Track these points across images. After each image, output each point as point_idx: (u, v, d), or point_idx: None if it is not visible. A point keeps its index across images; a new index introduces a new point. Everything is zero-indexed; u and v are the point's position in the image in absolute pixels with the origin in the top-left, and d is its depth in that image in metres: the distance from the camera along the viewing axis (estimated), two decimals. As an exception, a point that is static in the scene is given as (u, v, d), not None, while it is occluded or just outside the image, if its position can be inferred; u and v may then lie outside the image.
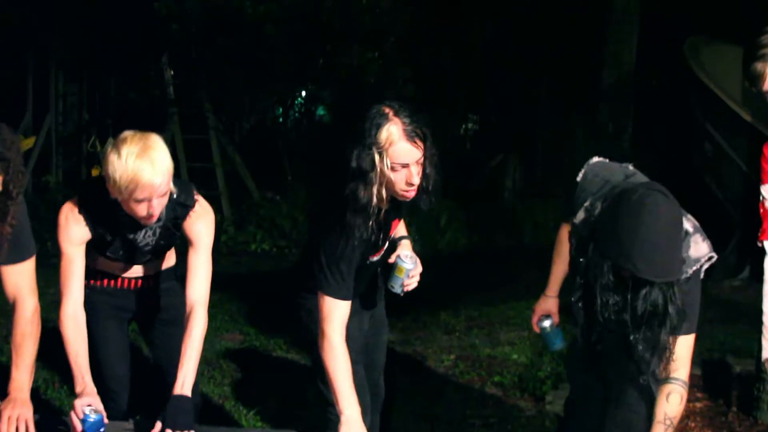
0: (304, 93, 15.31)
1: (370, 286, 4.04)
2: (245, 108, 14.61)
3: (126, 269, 4.08)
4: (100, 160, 16.33)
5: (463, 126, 17.37)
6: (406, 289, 3.85)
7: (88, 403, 3.42)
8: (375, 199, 3.49)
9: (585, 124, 13.04)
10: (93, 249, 3.84)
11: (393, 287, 3.86)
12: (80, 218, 3.69)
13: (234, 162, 13.76)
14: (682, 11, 13.77)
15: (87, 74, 16.47)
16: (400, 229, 4.02)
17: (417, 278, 3.84)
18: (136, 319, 4.27)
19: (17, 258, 3.57)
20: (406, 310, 7.86)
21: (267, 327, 7.73)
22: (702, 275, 3.49)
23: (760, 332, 4.19)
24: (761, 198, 3.98)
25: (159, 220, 3.70)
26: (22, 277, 3.58)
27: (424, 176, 3.50)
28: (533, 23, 15.10)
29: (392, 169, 3.41)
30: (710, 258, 3.46)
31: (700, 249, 3.46)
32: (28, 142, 15.97)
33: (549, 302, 4.19)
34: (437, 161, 3.54)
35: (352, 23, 12.13)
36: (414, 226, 11.95)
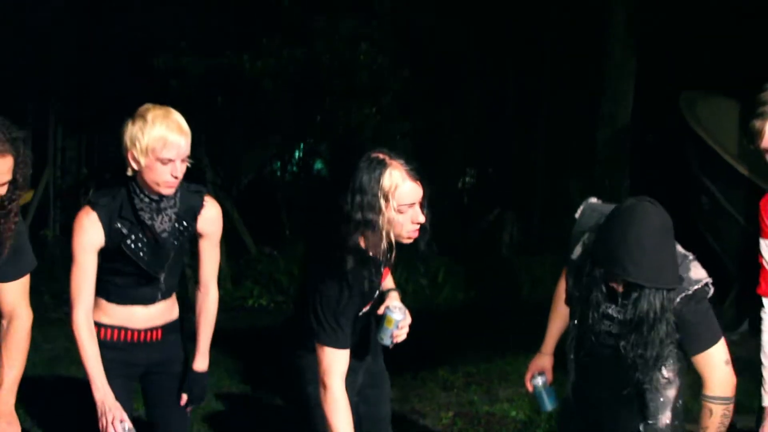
0: (302, 146, 15.36)
1: (362, 340, 4.01)
2: (243, 163, 14.66)
3: (140, 298, 4.04)
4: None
5: (461, 180, 17.42)
6: (395, 341, 3.83)
7: (121, 419, 3.65)
8: (383, 246, 3.55)
9: (581, 179, 13.07)
10: (108, 271, 3.91)
11: (382, 339, 3.84)
12: (94, 217, 3.80)
13: (231, 217, 13.77)
14: (678, 66, 13.86)
15: (86, 128, 16.53)
16: (388, 280, 4.03)
17: (406, 329, 3.83)
18: (141, 374, 4.23)
19: (18, 273, 3.64)
20: (404, 366, 7.81)
21: (265, 384, 7.69)
22: (709, 297, 3.59)
23: (760, 384, 4.16)
24: (760, 251, 3.98)
25: (174, 205, 3.85)
26: (21, 290, 3.68)
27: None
28: (530, 79, 15.18)
29: (399, 211, 3.47)
30: (711, 283, 3.57)
31: (699, 272, 3.57)
32: (27, 196, 15.95)
33: (544, 359, 4.20)
34: (427, 201, 3.59)
35: (350, 79, 12.19)
36: (412, 281, 11.94)
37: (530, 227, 15.05)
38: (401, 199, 3.46)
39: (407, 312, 3.85)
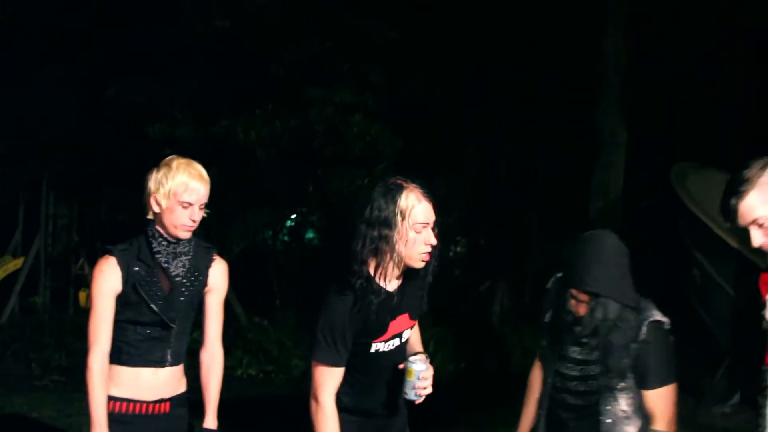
0: (294, 216, 15.36)
1: (382, 399, 4.00)
2: (235, 231, 14.66)
3: (150, 358, 4.10)
4: (88, 283, 16.31)
5: (452, 250, 17.41)
6: (419, 394, 3.80)
7: None
8: (395, 273, 3.78)
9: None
10: (123, 322, 4.03)
11: (406, 394, 3.83)
12: (113, 262, 4.02)
13: (223, 285, 13.71)
14: (670, 137, 13.96)
15: (79, 196, 16.54)
16: (414, 339, 4.08)
17: (430, 381, 3.82)
18: None
19: None
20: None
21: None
22: (667, 333, 3.86)
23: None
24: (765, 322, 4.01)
25: (188, 252, 4.15)
26: None
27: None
28: (523, 149, 15.25)
29: (414, 230, 3.69)
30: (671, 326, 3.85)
31: (658, 313, 3.86)
32: (17, 263, 15.95)
33: None
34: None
35: (344, 149, 12.23)
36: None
37: (522, 297, 15.02)
38: (416, 218, 3.69)
39: (430, 365, 3.86)
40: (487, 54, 14.61)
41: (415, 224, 3.69)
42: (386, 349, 3.91)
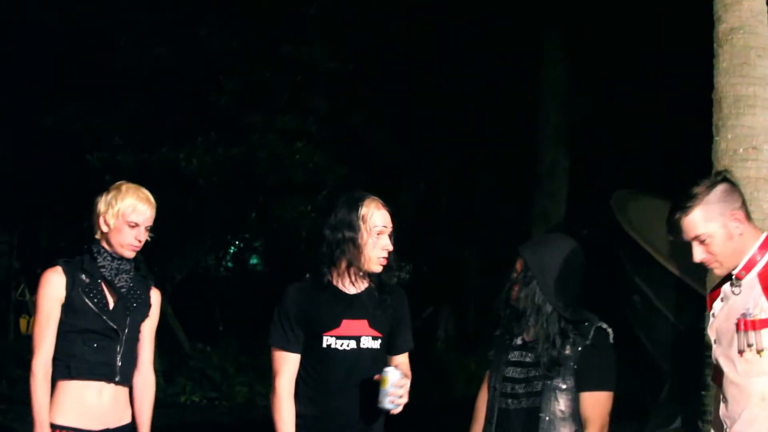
0: (237, 242, 15.31)
1: (349, 409, 4.06)
2: (177, 258, 14.58)
3: (98, 371, 4.13)
4: (29, 309, 16.16)
5: (396, 276, 17.43)
6: (393, 402, 3.88)
7: None
8: (352, 276, 4.07)
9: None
10: (70, 331, 4.10)
11: (381, 402, 3.88)
12: (58, 269, 4.17)
13: (165, 313, 13.62)
14: (610, 164, 14.11)
15: (18, 223, 16.38)
16: (404, 368, 4.14)
17: (405, 390, 3.91)
18: None
19: None
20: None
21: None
22: (611, 342, 3.94)
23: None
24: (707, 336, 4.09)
25: (130, 271, 4.30)
26: None
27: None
28: (464, 177, 15.34)
29: (374, 233, 4.04)
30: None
31: (603, 323, 3.96)
32: (-45, 291, 15.73)
33: None
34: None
35: (286, 175, 12.22)
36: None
37: (465, 324, 15.08)
38: (375, 222, 4.05)
39: (406, 377, 3.94)
40: (426, 85, 14.71)
41: (374, 227, 4.04)
42: (340, 348, 4.03)
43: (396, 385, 3.86)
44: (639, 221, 9.68)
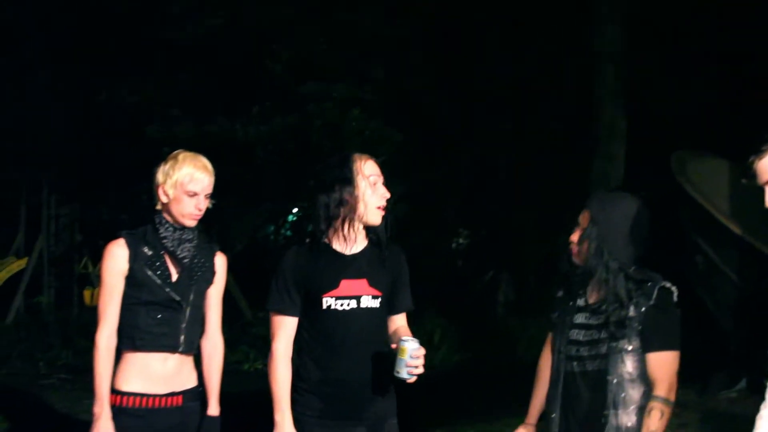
0: (295, 210, 15.37)
1: (353, 375, 4.06)
2: (235, 229, 14.67)
3: (162, 343, 4.16)
4: (92, 281, 16.33)
5: (454, 242, 17.42)
6: (411, 372, 3.85)
7: None
8: (348, 225, 4.08)
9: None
10: (134, 304, 4.13)
11: (399, 372, 3.86)
12: (121, 242, 4.18)
13: (227, 282, 13.72)
14: (669, 125, 13.94)
15: (80, 196, 16.56)
16: (403, 331, 4.13)
17: (422, 361, 3.86)
18: None
19: None
20: (400, 428, 7.77)
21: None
22: (675, 301, 3.87)
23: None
24: None
25: (193, 240, 4.29)
26: None
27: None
28: (523, 140, 15.24)
29: (369, 182, 4.09)
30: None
31: (667, 282, 3.88)
32: (20, 263, 15.97)
33: (528, 430, 4.24)
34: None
35: (342, 143, 12.22)
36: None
37: (525, 288, 15.03)
38: (370, 171, 4.10)
39: (422, 348, 3.91)
40: (480, 48, 14.60)
41: (369, 176, 4.09)
42: (339, 308, 4.06)
43: (414, 355, 3.84)
44: (700, 182, 9.58)
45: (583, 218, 3.97)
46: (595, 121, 12.84)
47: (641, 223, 3.92)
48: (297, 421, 4.05)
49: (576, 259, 4.00)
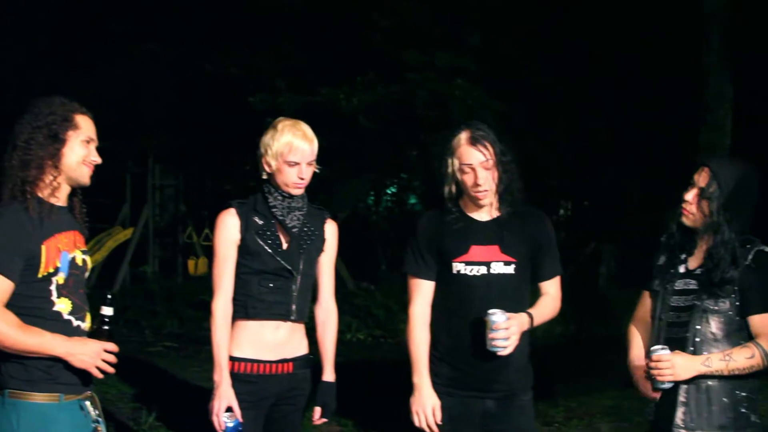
0: (396, 181, 15.39)
1: (479, 347, 4.00)
2: (338, 199, 14.76)
3: (275, 311, 4.20)
4: (196, 251, 16.60)
5: (556, 213, 17.28)
6: (496, 345, 3.89)
7: (227, 407, 4.02)
8: (450, 195, 4.13)
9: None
10: (246, 273, 4.18)
11: (488, 345, 3.90)
12: (232, 212, 4.22)
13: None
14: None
15: (184, 167, 16.81)
16: (541, 301, 4.29)
17: (508, 333, 3.91)
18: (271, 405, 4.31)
19: None
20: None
21: (364, 419, 7.67)
22: None
23: None
24: None
25: (302, 207, 4.28)
26: None
27: (500, 180, 4.10)
28: (625, 110, 15.02)
29: (461, 171, 4.07)
30: None
31: (766, 247, 3.79)
32: (126, 233, 16.32)
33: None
34: (513, 168, 4.19)
35: (445, 113, 12.16)
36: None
37: (628, 260, 14.85)
38: (462, 159, 4.09)
39: (514, 319, 3.94)
40: (582, 15, 14.38)
41: (461, 165, 4.08)
42: (469, 273, 4.08)
43: (498, 328, 3.85)
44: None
45: (701, 177, 3.85)
46: (702, 89, 12.58)
47: (753, 187, 3.84)
48: None
49: (686, 221, 3.89)
